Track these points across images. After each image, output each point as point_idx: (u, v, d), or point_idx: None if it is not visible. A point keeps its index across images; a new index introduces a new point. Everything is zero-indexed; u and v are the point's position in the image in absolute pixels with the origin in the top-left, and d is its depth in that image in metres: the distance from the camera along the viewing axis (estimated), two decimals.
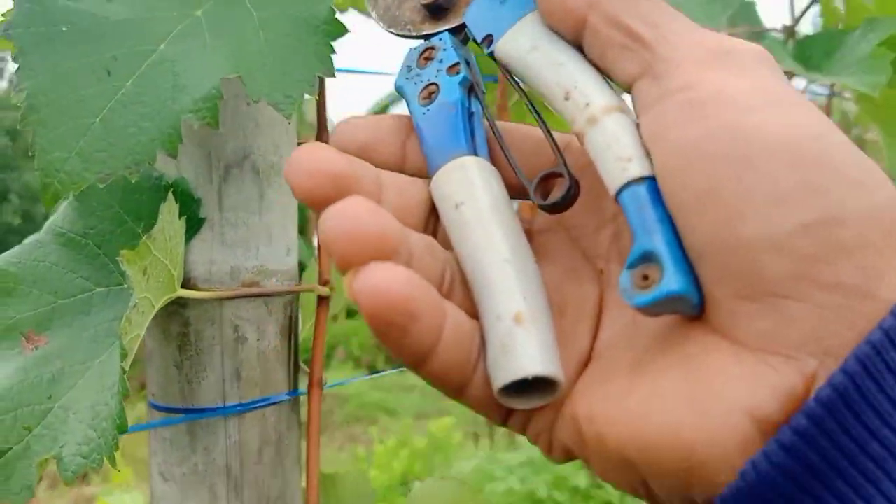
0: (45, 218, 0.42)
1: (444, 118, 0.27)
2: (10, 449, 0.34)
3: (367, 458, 3.07)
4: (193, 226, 0.40)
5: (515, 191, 0.28)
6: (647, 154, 0.23)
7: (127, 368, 0.32)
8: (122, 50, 0.30)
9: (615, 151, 0.23)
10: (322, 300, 0.46)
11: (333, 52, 0.31)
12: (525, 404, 0.24)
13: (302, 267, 0.48)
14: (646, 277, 0.22)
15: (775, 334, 0.21)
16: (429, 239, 0.25)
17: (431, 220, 0.28)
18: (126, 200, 0.39)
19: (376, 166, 0.27)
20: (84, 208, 0.39)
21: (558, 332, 0.25)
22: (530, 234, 0.28)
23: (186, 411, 0.41)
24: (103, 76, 0.29)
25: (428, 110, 0.28)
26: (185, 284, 0.40)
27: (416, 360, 0.23)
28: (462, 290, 0.25)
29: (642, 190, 0.23)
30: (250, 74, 0.29)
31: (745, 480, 0.20)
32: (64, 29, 0.29)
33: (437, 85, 0.28)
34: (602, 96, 0.24)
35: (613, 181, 0.23)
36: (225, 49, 0.30)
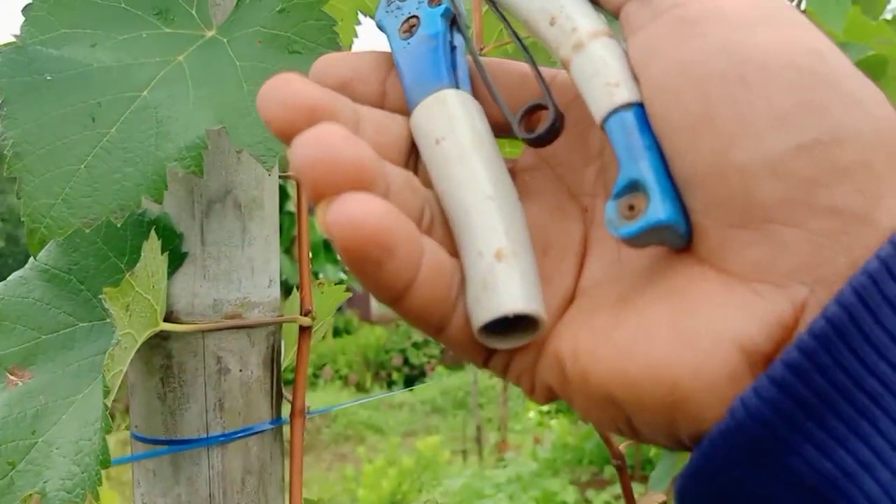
0: None
1: (425, 51, 0.26)
2: None
3: (355, 478, 3.06)
4: (176, 260, 0.41)
5: (499, 127, 0.27)
6: (636, 79, 0.22)
7: (109, 405, 0.33)
8: (107, 96, 0.31)
9: (602, 77, 0.23)
10: (304, 330, 0.46)
11: None
12: (506, 344, 0.23)
13: (290, 287, 0.49)
14: (632, 207, 0.21)
15: (766, 263, 0.20)
16: (408, 173, 0.24)
17: (412, 159, 0.26)
18: (109, 236, 0.40)
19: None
20: (68, 244, 0.40)
21: (541, 270, 0.24)
22: (514, 173, 0.27)
23: (170, 443, 0.42)
24: (88, 123, 0.30)
25: (408, 44, 0.27)
26: (168, 317, 0.41)
27: (393, 296, 0.22)
28: (442, 228, 0.24)
29: (629, 116, 0.22)
30: (234, 126, 0.30)
31: (734, 418, 0.19)
32: (48, 77, 0.30)
33: (417, 17, 0.27)
34: (589, 21, 0.24)
35: (600, 108, 0.23)
36: (208, 98, 0.31)
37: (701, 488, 0.21)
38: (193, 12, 0.35)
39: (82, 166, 0.30)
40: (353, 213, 0.20)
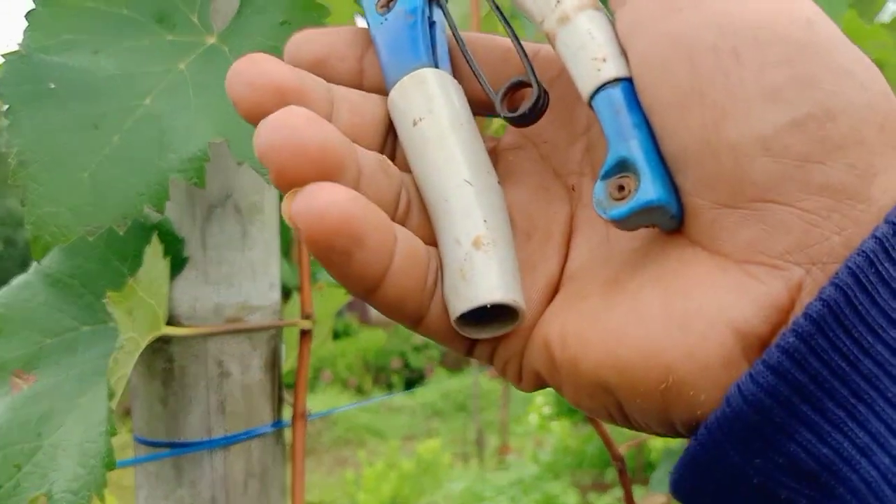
0: (27, 245, 0.43)
1: (402, 28, 0.25)
2: (1, 487, 0.35)
3: (355, 482, 3.06)
4: (177, 265, 0.41)
5: (481, 105, 0.26)
6: (623, 54, 0.22)
7: (114, 408, 0.33)
8: (110, 105, 0.31)
9: (588, 51, 0.22)
10: (304, 333, 0.47)
11: None
12: (485, 333, 0.23)
13: (289, 291, 0.50)
14: (621, 188, 0.21)
15: (759, 243, 0.20)
16: (381, 157, 0.23)
17: (389, 141, 0.25)
18: (111, 241, 0.41)
19: (332, 83, 0.25)
20: (70, 249, 0.41)
21: (525, 254, 0.24)
22: (497, 153, 0.27)
23: (172, 445, 0.42)
24: (91, 131, 0.31)
25: (385, 20, 0.26)
26: (170, 321, 0.41)
27: (365, 288, 0.21)
28: (419, 214, 0.24)
29: (617, 93, 0.21)
30: (234, 138, 0.31)
31: (730, 405, 0.19)
32: (52, 86, 0.31)
33: None
34: None
35: (586, 85, 0.22)
36: (209, 108, 0.32)
37: (697, 478, 0.20)
38: (195, 19, 0.35)
39: (86, 175, 0.30)
40: (317, 203, 0.19)
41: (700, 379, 0.20)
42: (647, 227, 0.22)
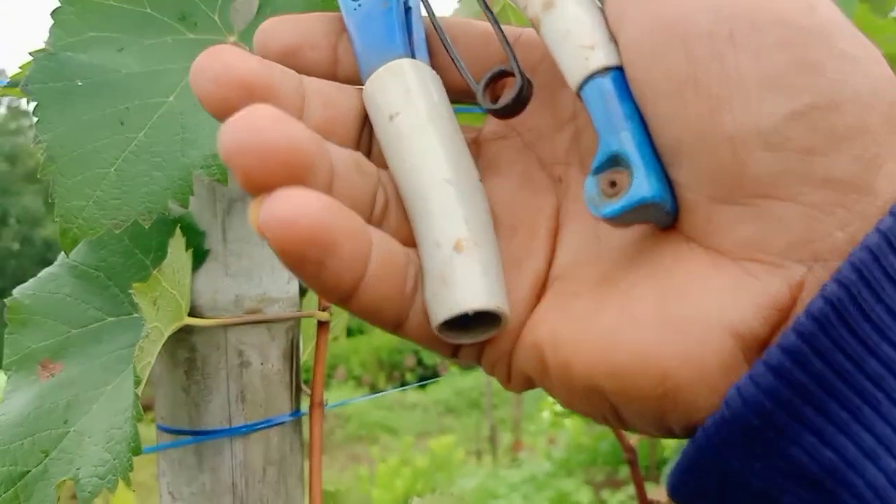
0: (45, 242, 0.44)
1: (377, 15, 0.24)
2: (29, 472, 0.36)
3: (369, 478, 3.07)
4: (199, 257, 0.42)
5: (460, 93, 0.25)
6: (613, 40, 0.20)
7: (140, 394, 0.34)
8: (135, 102, 0.32)
9: (576, 38, 0.20)
10: (322, 325, 0.48)
11: None
12: (468, 338, 0.22)
13: (304, 288, 0.51)
14: (613, 184, 0.20)
15: (759, 240, 0.19)
16: (356, 154, 0.22)
17: (365, 135, 0.24)
18: (135, 235, 0.42)
19: (305, 73, 0.23)
20: (96, 242, 0.42)
21: (510, 250, 0.23)
22: (478, 143, 0.25)
23: (194, 433, 0.44)
24: (117, 127, 0.32)
25: (359, 5, 0.24)
26: (192, 312, 0.42)
27: (340, 297, 0.20)
28: (397, 212, 0.23)
29: (607, 82, 0.20)
30: None
31: (729, 408, 0.18)
32: (79, 83, 0.32)
33: None
34: None
35: (574, 74, 0.21)
36: None
37: (695, 482, 0.20)
38: (216, 18, 0.36)
39: (112, 169, 0.31)
40: (284, 211, 0.18)
41: (698, 384, 0.19)
42: (640, 223, 0.21)
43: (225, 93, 0.20)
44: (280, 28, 0.24)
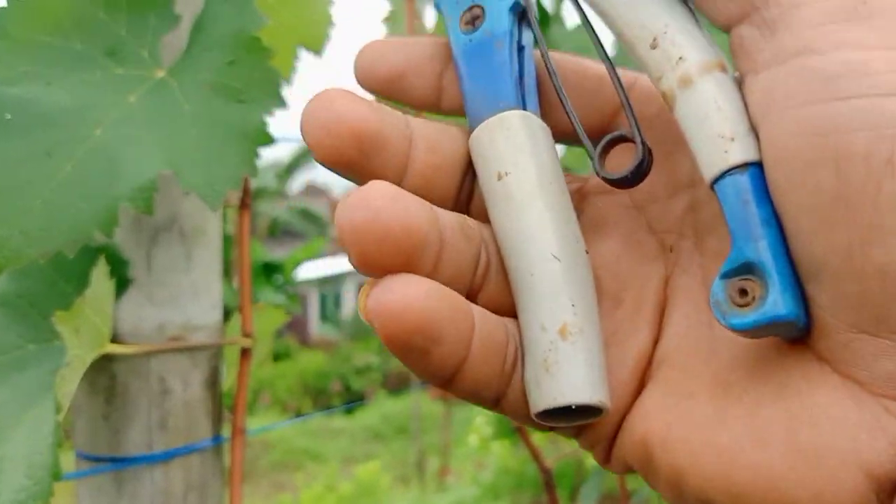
0: None
1: (490, 56, 0.23)
2: None
3: None
4: (122, 286, 0.43)
5: (565, 136, 0.24)
6: (753, 130, 0.19)
7: (61, 421, 0.35)
8: (63, 135, 0.33)
9: (714, 126, 0.19)
10: (245, 351, 0.49)
11: (259, 157, 0.34)
12: (565, 423, 0.21)
13: (228, 312, 0.51)
14: (744, 292, 0.19)
15: None
16: (461, 218, 0.21)
17: (467, 180, 0.23)
18: (57, 262, 0.42)
19: (407, 102, 0.23)
20: (18, 271, 0.42)
21: (613, 324, 0.22)
22: (582, 194, 0.24)
23: (113, 460, 0.44)
24: (44, 160, 0.33)
25: (470, 40, 0.23)
26: (114, 339, 0.43)
27: (444, 380, 0.20)
28: (497, 275, 0.22)
29: (745, 180, 0.19)
30: (182, 169, 0.33)
31: None
32: (8, 117, 0.33)
33: (481, 8, 0.23)
34: (698, 48, 0.20)
35: (710, 166, 0.19)
36: (158, 139, 0.34)
37: None
38: (145, 53, 0.37)
39: (39, 201, 0.32)
40: (394, 301, 0.18)
41: None
42: (767, 336, 0.19)
43: (337, 144, 0.20)
44: (385, 52, 0.24)
